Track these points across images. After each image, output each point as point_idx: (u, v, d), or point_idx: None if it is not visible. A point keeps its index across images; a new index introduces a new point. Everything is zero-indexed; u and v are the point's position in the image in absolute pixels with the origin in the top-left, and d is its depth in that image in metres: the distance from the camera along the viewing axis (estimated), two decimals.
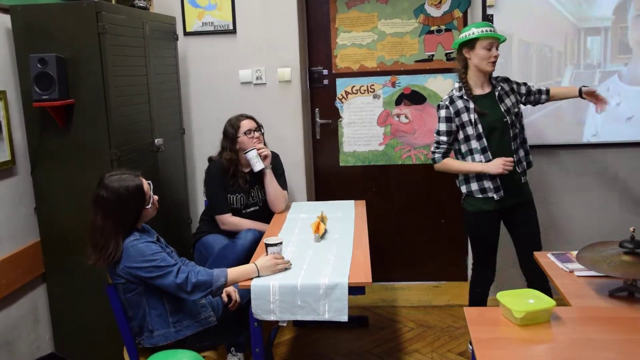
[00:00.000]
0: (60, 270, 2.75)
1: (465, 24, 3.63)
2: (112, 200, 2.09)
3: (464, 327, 3.06)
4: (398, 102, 3.75)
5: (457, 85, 2.78)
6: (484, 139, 2.70)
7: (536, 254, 2.49)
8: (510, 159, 2.68)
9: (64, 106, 2.56)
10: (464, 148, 2.77)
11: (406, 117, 3.76)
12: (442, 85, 3.69)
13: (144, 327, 2.18)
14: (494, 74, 2.81)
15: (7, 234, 2.59)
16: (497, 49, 2.68)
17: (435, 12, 3.64)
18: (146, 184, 2.19)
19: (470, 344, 2.80)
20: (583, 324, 1.77)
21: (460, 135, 2.76)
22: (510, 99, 2.79)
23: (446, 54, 3.68)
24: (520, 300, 1.80)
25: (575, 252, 2.19)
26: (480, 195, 2.76)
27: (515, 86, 2.85)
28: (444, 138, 2.78)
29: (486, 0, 3.26)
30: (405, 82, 3.72)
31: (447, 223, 3.87)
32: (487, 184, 2.72)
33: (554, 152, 3.34)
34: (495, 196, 2.72)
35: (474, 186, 2.77)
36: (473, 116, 2.70)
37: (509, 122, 2.72)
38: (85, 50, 2.55)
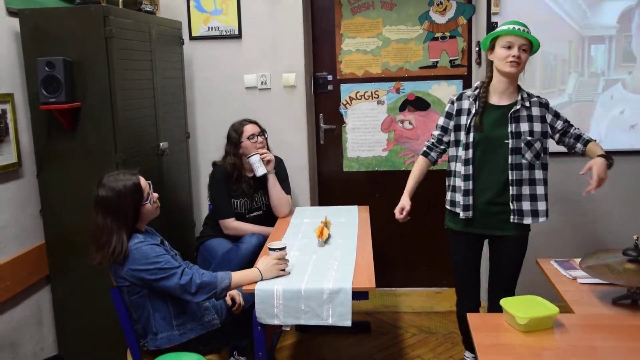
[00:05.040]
0: (65, 273, 2.76)
1: (469, 31, 3.65)
2: (110, 197, 2.11)
3: None
4: (402, 108, 3.76)
5: (477, 83, 2.52)
6: (471, 150, 2.41)
7: (539, 260, 2.49)
8: (401, 216, 2.52)
9: (71, 109, 2.58)
10: (451, 152, 2.52)
11: (410, 123, 3.77)
12: (447, 92, 3.70)
13: (148, 330, 2.19)
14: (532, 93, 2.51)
15: (13, 235, 2.61)
16: (523, 51, 2.34)
17: (440, 19, 3.66)
18: (143, 181, 2.21)
19: (467, 353, 2.80)
20: (586, 331, 1.78)
21: (452, 138, 2.50)
22: (533, 125, 2.39)
23: (450, 61, 3.69)
24: (523, 306, 1.80)
25: (578, 260, 2.19)
26: (449, 207, 2.54)
27: (550, 117, 2.46)
28: (435, 132, 2.58)
29: (491, 8, 3.26)
30: (410, 88, 3.74)
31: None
32: (458, 198, 2.46)
33: (557, 160, 3.32)
34: (461, 214, 2.45)
35: (448, 195, 2.53)
36: (469, 122, 2.42)
37: (512, 146, 2.37)
38: (92, 53, 2.57)
